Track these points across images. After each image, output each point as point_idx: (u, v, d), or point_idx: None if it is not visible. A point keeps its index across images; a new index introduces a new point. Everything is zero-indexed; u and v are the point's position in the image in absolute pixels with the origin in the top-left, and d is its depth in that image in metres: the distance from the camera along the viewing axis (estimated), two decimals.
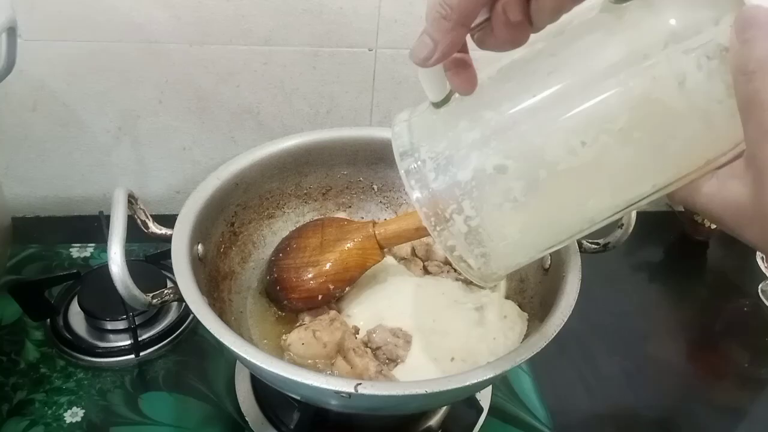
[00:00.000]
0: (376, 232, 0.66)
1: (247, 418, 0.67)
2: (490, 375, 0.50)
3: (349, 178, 0.80)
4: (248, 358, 0.49)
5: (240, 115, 0.89)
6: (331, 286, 0.65)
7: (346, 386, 0.47)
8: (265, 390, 0.69)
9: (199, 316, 0.51)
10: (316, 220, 0.74)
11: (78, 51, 0.80)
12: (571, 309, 0.56)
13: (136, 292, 0.52)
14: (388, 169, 0.80)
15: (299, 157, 0.76)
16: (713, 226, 0.99)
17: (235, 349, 0.49)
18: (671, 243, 1.05)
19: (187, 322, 0.77)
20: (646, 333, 0.88)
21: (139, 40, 0.81)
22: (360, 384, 0.47)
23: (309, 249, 0.67)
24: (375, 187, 0.81)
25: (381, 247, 0.66)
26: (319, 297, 0.65)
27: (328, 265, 0.65)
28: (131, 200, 0.59)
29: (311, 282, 0.65)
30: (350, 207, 0.81)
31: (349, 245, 0.66)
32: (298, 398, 0.57)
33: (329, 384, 0.48)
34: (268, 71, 0.86)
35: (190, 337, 0.76)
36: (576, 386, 0.77)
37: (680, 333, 0.91)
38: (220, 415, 0.68)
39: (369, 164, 0.79)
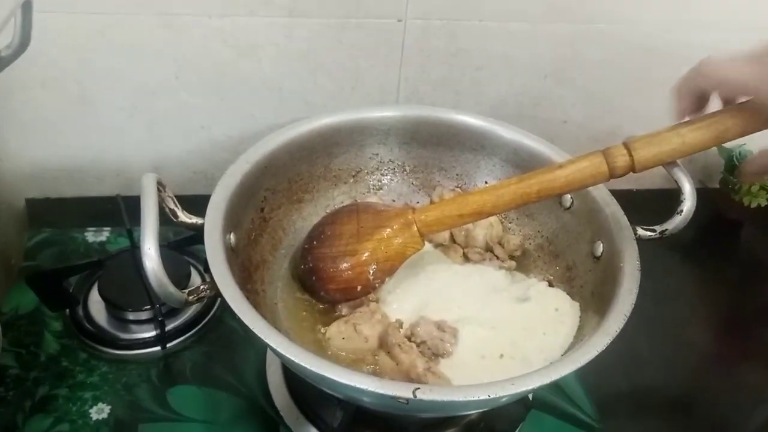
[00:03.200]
0: (417, 218, 0.62)
1: (281, 413, 0.64)
2: (554, 377, 0.47)
3: (380, 158, 0.76)
4: (302, 363, 0.45)
5: (261, 91, 0.84)
6: (371, 277, 0.61)
7: (403, 391, 0.44)
8: (298, 383, 0.66)
9: (241, 316, 0.48)
10: (350, 205, 0.70)
11: (89, 24, 0.75)
12: (633, 303, 0.53)
13: (172, 289, 0.48)
14: (420, 149, 0.76)
15: (329, 137, 0.72)
16: (751, 204, 0.96)
17: (288, 355, 0.46)
18: (703, 222, 1.01)
19: (213, 311, 0.73)
20: (681, 315, 0.85)
21: (154, 12, 0.76)
22: (418, 389, 0.44)
23: (345, 236, 0.63)
24: (407, 167, 0.77)
25: (421, 235, 0.62)
26: (358, 288, 0.62)
27: (366, 255, 0.62)
28: (159, 187, 0.55)
29: (349, 272, 0.62)
30: (381, 189, 0.77)
31: (387, 232, 0.62)
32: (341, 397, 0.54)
33: (385, 389, 0.45)
34: (291, 45, 0.81)
35: (216, 326, 0.73)
36: (617, 373, 0.74)
37: (716, 315, 0.88)
38: (252, 410, 0.65)
39: (401, 144, 0.76)
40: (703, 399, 0.75)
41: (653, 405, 0.73)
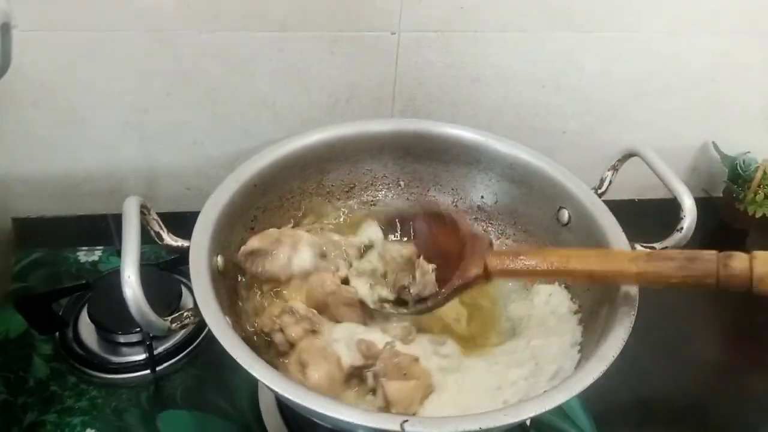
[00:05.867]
0: (490, 262, 0.56)
1: None
2: (548, 406, 0.45)
3: (373, 174, 0.74)
4: (287, 395, 0.44)
5: (254, 106, 0.83)
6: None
7: (391, 424, 0.43)
8: (290, 407, 0.65)
9: (225, 344, 0.47)
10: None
11: (79, 41, 0.74)
12: (631, 327, 0.51)
13: (153, 317, 0.47)
14: (415, 164, 0.74)
15: (321, 153, 0.70)
16: (755, 214, 0.94)
17: (272, 385, 0.44)
18: (707, 231, 0.99)
19: (204, 332, 0.72)
20: (683, 327, 0.83)
21: (144, 29, 0.75)
22: (406, 421, 0.43)
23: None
24: (402, 183, 0.75)
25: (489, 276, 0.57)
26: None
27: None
28: (144, 211, 0.54)
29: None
30: (375, 205, 0.75)
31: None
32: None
33: (373, 422, 0.43)
34: (284, 59, 0.80)
35: (207, 348, 0.71)
36: (618, 388, 0.72)
37: (720, 327, 0.86)
38: None
39: (395, 159, 0.74)
40: (708, 413, 0.74)
41: (655, 421, 0.72)
